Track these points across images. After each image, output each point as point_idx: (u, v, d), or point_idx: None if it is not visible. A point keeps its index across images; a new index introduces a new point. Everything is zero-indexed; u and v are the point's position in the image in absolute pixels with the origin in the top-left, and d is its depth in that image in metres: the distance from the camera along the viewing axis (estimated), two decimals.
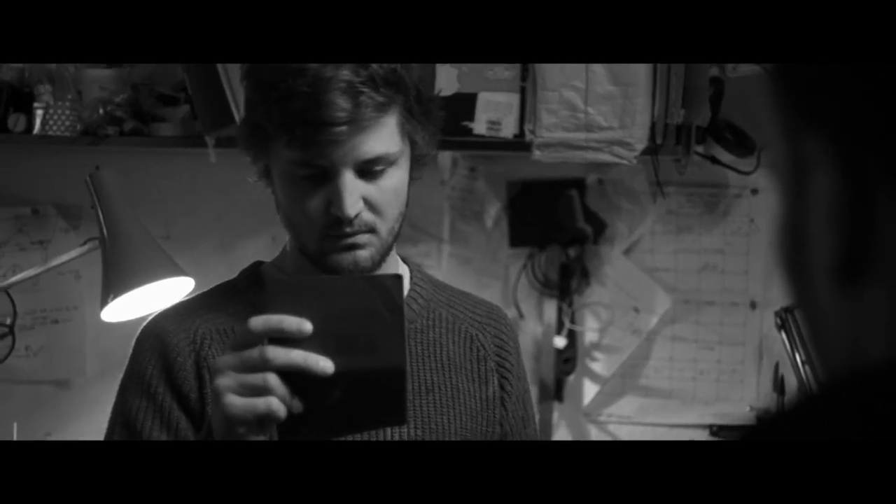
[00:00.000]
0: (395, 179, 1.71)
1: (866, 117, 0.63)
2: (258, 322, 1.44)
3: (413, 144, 1.74)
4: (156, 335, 1.77)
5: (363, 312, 1.45)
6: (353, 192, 1.66)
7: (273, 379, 1.42)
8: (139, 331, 1.81)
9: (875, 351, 0.66)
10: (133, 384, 1.76)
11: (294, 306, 1.44)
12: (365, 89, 1.63)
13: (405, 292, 1.83)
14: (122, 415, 1.76)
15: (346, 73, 1.62)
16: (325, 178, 1.67)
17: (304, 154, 1.65)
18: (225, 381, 1.45)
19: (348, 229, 1.68)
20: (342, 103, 1.62)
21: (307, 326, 1.43)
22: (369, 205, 1.69)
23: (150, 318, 1.83)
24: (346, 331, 1.45)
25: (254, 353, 1.44)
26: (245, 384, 1.43)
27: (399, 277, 1.47)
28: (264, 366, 1.43)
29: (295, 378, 1.43)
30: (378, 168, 1.68)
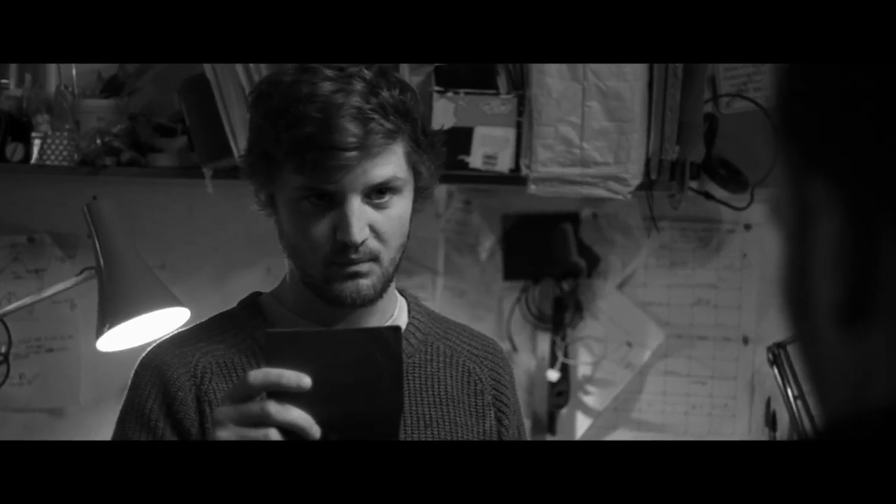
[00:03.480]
0: (400, 208, 1.73)
1: (869, 161, 0.65)
2: (258, 376, 1.45)
3: (417, 175, 1.76)
4: (155, 367, 1.77)
5: (362, 363, 1.46)
6: (361, 217, 1.68)
7: (274, 434, 1.44)
8: (138, 362, 1.81)
9: (877, 394, 0.67)
10: (133, 417, 1.76)
11: (293, 358, 1.45)
12: (375, 116, 1.66)
13: (403, 326, 1.84)
14: None
15: (356, 99, 1.65)
16: (332, 204, 1.68)
17: (312, 179, 1.67)
18: (226, 434, 1.46)
19: (354, 256, 1.69)
20: (353, 129, 1.64)
21: (306, 381, 1.44)
22: (375, 232, 1.70)
23: (148, 349, 1.82)
24: (344, 380, 1.46)
25: (254, 407, 1.45)
26: (247, 439, 1.45)
27: (398, 329, 1.48)
28: (265, 421, 1.44)
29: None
30: (385, 195, 1.70)
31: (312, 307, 1.77)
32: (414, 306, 1.91)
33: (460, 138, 2.83)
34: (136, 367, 1.81)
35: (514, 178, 2.87)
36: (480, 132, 2.86)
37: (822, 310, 0.68)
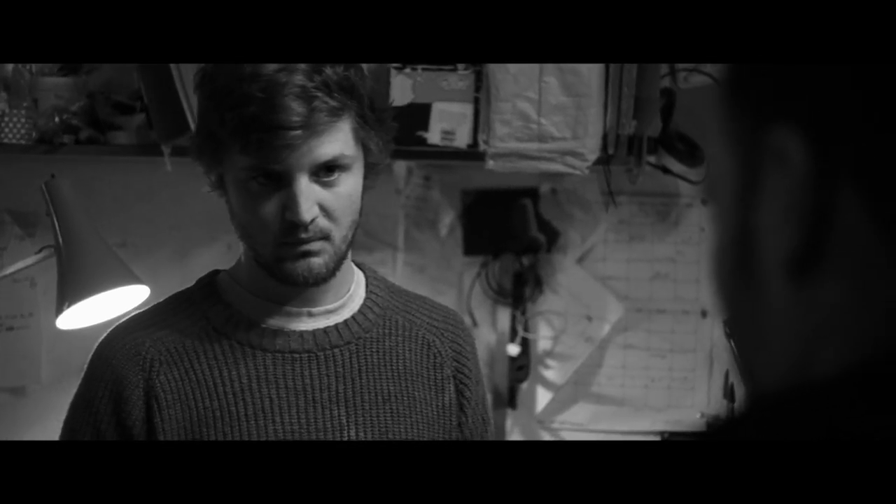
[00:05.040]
0: (350, 186, 1.73)
1: (832, 107, 0.64)
2: None
3: (367, 151, 1.75)
4: (108, 363, 1.78)
5: None
6: (309, 196, 1.68)
7: None
8: (94, 350, 1.82)
9: (826, 358, 0.66)
10: (82, 411, 1.78)
11: None
12: (319, 94, 1.65)
13: (360, 300, 1.85)
14: (69, 439, 1.80)
15: (299, 77, 1.64)
16: (280, 184, 1.68)
17: (258, 159, 1.67)
18: None
19: (303, 235, 1.69)
20: (297, 107, 1.64)
21: None
22: (324, 211, 1.70)
23: (104, 335, 1.83)
24: None
25: None
26: None
27: None
28: None
29: None
30: (334, 172, 1.70)
31: (266, 286, 1.78)
32: (372, 280, 1.91)
33: (418, 114, 2.83)
34: (91, 354, 1.81)
35: (473, 154, 2.89)
36: (438, 108, 2.87)
37: (771, 265, 0.67)
